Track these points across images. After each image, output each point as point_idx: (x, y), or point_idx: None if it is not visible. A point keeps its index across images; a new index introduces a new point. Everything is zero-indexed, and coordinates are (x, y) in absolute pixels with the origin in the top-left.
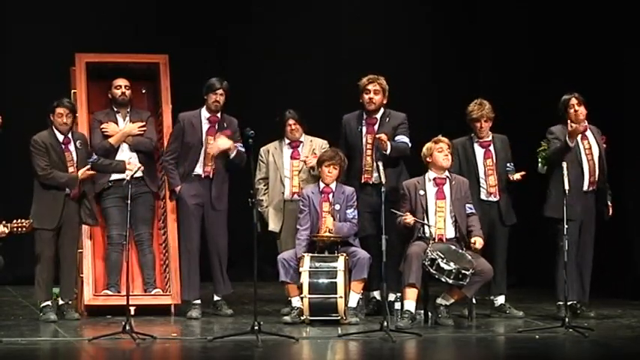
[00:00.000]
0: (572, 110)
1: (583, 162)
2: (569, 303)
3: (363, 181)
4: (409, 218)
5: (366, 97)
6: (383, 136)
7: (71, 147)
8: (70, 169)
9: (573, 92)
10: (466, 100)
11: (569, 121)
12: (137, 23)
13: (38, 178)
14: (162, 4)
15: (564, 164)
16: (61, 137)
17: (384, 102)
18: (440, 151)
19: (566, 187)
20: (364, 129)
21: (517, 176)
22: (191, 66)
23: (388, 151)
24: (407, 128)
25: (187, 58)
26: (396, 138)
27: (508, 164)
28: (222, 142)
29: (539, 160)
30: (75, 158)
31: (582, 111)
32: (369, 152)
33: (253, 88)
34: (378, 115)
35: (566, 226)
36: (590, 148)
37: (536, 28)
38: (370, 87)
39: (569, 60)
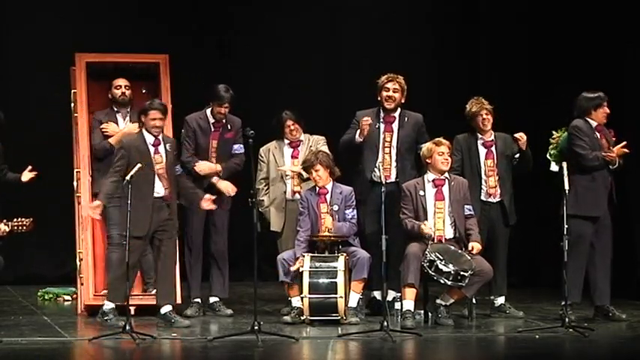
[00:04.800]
0: (602, 110)
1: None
2: (598, 305)
3: (377, 179)
4: (426, 229)
5: (385, 94)
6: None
7: (161, 149)
8: (160, 171)
9: (596, 91)
10: (467, 99)
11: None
12: (137, 23)
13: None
14: (163, 4)
15: (564, 164)
16: (151, 139)
17: (403, 101)
18: (440, 154)
19: (566, 187)
20: (382, 127)
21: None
22: (191, 66)
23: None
24: (425, 130)
25: (188, 58)
26: (420, 146)
27: (514, 157)
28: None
29: (551, 158)
30: (164, 160)
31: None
32: (387, 150)
33: (253, 87)
34: (396, 114)
35: (566, 226)
36: (610, 146)
37: (536, 28)
38: (389, 85)
39: (570, 59)
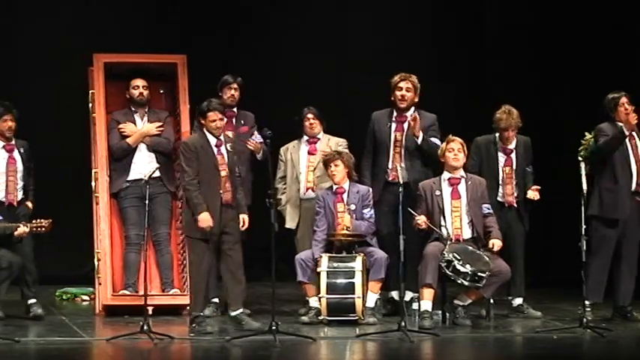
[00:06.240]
0: (622, 108)
1: (632, 162)
2: (618, 305)
3: (390, 179)
4: (421, 220)
5: (398, 94)
6: (415, 115)
7: (223, 150)
8: (223, 173)
9: (619, 91)
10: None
11: (619, 119)
12: (150, 23)
13: (183, 182)
14: (179, 5)
15: (582, 165)
16: (213, 140)
17: (416, 100)
18: (450, 150)
19: (584, 187)
20: (393, 126)
21: (531, 195)
22: (209, 66)
23: (420, 139)
24: (437, 130)
25: (205, 59)
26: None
27: (528, 167)
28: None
29: (581, 159)
30: (227, 161)
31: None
32: (397, 150)
33: (268, 87)
34: (409, 114)
35: (584, 227)
36: (637, 148)
37: (541, 29)
38: (402, 84)
39: (574, 59)
